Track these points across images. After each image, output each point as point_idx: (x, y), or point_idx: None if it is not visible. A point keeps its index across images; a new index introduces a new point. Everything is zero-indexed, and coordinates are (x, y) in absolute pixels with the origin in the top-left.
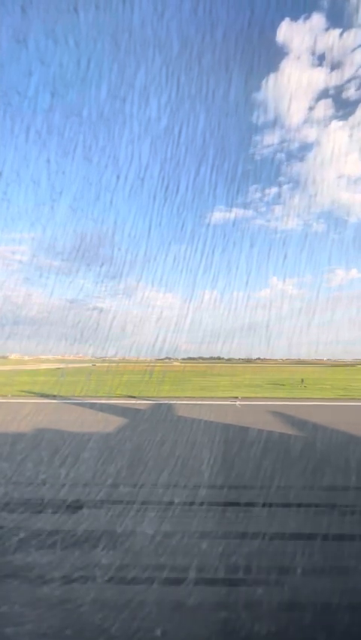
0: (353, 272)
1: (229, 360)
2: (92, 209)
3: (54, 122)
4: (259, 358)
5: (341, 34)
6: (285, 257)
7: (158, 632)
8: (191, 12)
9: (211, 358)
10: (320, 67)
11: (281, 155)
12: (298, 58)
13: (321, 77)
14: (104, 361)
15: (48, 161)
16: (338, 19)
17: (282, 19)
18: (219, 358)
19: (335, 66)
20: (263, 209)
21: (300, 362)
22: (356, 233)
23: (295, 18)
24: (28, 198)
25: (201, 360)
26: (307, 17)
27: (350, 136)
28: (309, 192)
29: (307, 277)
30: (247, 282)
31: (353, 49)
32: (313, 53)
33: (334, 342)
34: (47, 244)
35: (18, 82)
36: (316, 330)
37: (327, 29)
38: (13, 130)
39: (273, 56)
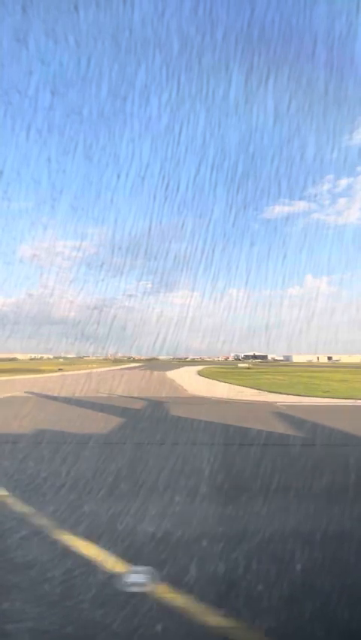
0: None
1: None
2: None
3: (55, 120)
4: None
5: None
6: None
7: None
8: (191, 11)
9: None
10: None
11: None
12: None
13: None
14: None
15: (48, 160)
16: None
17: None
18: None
19: None
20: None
21: None
22: None
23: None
24: (28, 198)
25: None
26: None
27: None
28: None
29: None
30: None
31: None
32: None
33: None
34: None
35: (19, 81)
36: None
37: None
38: (14, 128)
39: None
